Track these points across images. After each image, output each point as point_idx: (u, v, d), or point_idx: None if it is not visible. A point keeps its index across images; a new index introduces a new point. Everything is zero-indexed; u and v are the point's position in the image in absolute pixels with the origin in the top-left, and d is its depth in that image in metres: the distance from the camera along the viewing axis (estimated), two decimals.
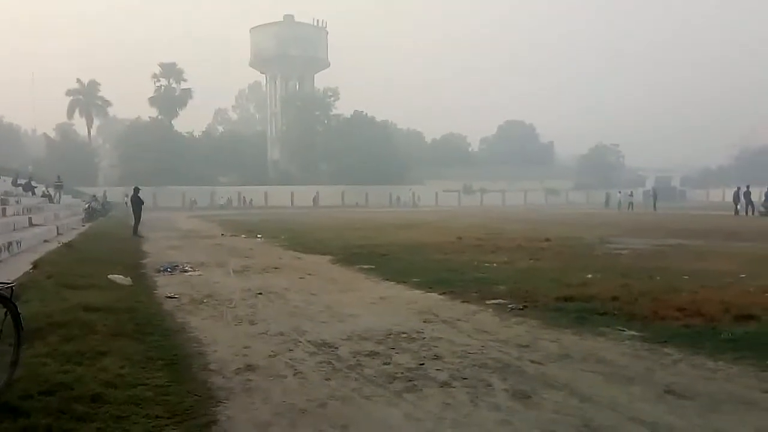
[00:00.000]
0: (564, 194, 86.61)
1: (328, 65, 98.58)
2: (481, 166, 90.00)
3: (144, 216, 23.70)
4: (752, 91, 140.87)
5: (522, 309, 7.28)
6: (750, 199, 35.11)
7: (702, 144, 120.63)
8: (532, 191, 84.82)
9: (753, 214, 33.69)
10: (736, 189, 36.72)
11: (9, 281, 4.63)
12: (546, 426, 3.73)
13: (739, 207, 35.13)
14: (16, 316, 4.14)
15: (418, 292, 8.88)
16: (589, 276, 9.55)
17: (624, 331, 6.07)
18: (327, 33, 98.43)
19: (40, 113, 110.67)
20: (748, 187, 35.83)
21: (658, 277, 9.33)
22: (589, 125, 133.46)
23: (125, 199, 32.61)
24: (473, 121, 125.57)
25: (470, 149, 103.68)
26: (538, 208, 59.19)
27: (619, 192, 57.12)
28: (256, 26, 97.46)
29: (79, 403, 3.84)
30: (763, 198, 35.55)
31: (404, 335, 6.10)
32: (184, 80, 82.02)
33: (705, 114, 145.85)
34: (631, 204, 49.67)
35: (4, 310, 4.05)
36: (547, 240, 16.40)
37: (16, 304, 4.22)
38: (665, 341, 5.60)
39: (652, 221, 28.91)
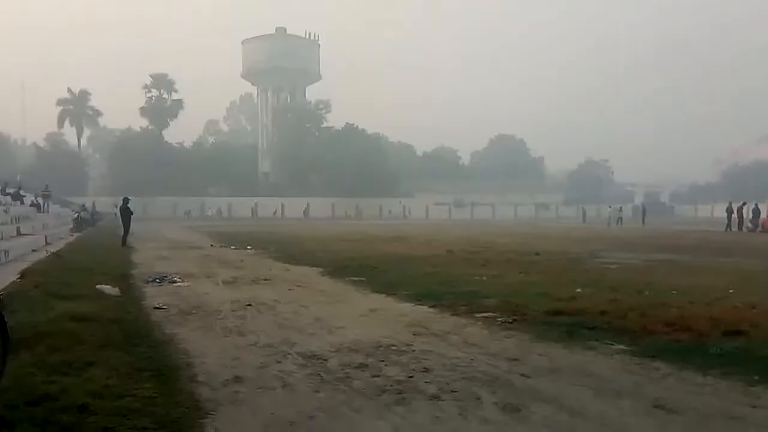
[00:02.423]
0: (554, 209, 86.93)
1: (320, 78, 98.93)
2: (472, 180, 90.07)
3: (133, 226, 23.59)
4: (741, 108, 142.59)
5: (512, 322, 7.29)
6: (742, 214, 35.37)
7: (691, 160, 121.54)
8: (522, 205, 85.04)
9: (741, 229, 33.96)
10: (728, 204, 37.00)
11: None
12: None
13: (730, 222, 35.28)
14: (2, 326, 4.11)
15: (407, 304, 8.86)
16: (579, 290, 9.57)
17: (613, 345, 6.08)
18: (319, 46, 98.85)
19: (30, 123, 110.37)
20: (743, 203, 36.11)
21: (647, 292, 9.36)
22: (579, 140, 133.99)
23: (114, 209, 32.46)
24: (464, 135, 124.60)
25: (461, 162, 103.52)
26: (527, 222, 59.33)
27: (609, 207, 57.22)
28: (248, 38, 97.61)
29: (66, 413, 3.81)
30: (750, 215, 35.84)
31: (394, 348, 6.09)
32: (175, 91, 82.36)
33: (694, 130, 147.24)
34: (620, 219, 49.83)
35: None
36: (537, 254, 16.44)
37: (3, 313, 4.19)
38: (654, 356, 5.62)
39: (640, 236, 29.04)
